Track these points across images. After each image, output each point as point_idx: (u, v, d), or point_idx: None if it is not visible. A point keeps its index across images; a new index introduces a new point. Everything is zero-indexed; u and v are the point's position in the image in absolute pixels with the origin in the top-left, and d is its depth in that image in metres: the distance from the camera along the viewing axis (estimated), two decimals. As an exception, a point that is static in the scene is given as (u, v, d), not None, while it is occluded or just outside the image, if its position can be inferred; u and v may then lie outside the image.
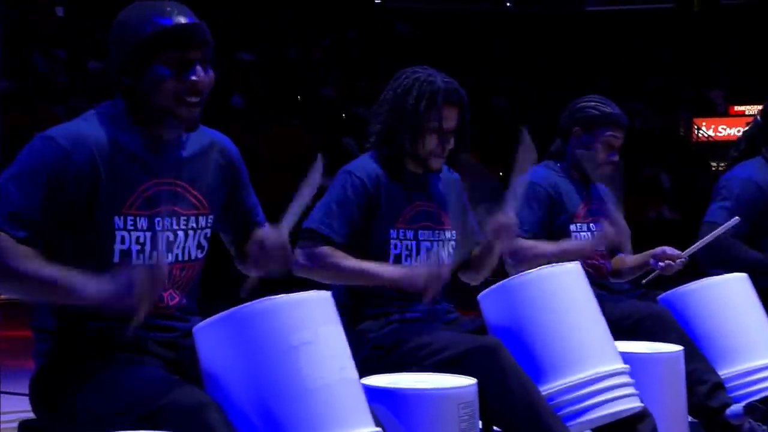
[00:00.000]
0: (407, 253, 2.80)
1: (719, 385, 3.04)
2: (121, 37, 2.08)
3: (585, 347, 2.57)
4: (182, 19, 2.07)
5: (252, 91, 14.86)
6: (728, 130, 19.89)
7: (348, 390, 1.99)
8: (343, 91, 18.05)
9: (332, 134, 15.78)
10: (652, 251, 3.49)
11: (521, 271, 3.24)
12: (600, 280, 3.39)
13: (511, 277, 2.65)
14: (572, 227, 3.38)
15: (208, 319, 2.00)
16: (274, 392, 1.92)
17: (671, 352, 2.91)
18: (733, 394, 3.05)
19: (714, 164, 17.36)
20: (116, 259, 2.08)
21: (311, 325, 1.98)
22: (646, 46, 22.17)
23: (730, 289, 3.20)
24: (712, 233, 3.38)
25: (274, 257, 2.18)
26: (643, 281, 3.49)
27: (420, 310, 2.80)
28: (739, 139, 3.82)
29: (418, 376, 2.50)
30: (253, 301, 1.97)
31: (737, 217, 3.35)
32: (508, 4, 24.63)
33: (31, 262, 1.95)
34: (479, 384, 2.40)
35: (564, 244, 3.30)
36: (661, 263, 3.42)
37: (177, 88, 2.07)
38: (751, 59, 20.92)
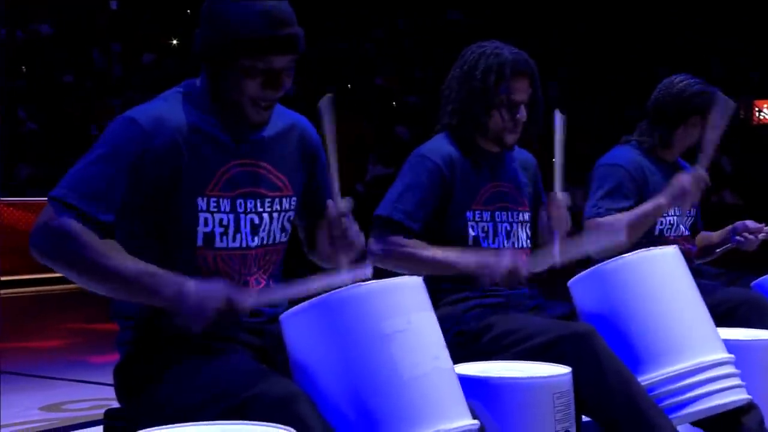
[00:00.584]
0: (484, 235, 2.70)
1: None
2: (215, 22, 2.00)
3: (687, 335, 2.42)
4: (282, 29, 1.98)
5: (304, 81, 14.84)
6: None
7: (443, 380, 1.89)
8: (394, 81, 17.95)
9: (384, 123, 15.70)
10: (733, 225, 3.34)
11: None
12: (688, 265, 3.23)
13: (605, 262, 2.51)
14: None
15: (297, 306, 1.90)
16: (366, 383, 1.82)
17: (768, 339, 2.75)
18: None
19: (776, 147, 16.95)
20: (200, 243, 2.02)
21: (404, 312, 1.87)
22: (704, 27, 21.73)
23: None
24: None
25: (341, 238, 2.07)
26: (717, 250, 3.33)
27: (502, 294, 2.69)
28: None
29: (509, 364, 2.38)
30: (343, 288, 1.87)
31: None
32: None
33: (115, 257, 1.89)
34: (572, 373, 2.28)
35: (641, 207, 3.17)
36: (738, 237, 3.26)
37: (256, 93, 2.01)
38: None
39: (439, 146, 2.72)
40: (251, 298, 1.92)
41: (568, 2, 22.29)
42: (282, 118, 2.17)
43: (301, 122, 2.23)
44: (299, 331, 1.89)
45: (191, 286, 1.87)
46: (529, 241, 2.78)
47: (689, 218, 3.40)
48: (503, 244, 2.71)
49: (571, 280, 2.56)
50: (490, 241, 2.70)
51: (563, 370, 2.27)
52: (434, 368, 1.86)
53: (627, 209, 3.18)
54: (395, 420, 1.81)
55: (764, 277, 3.10)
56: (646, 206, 3.16)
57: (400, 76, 18.07)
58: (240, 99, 2.01)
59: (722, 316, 2.89)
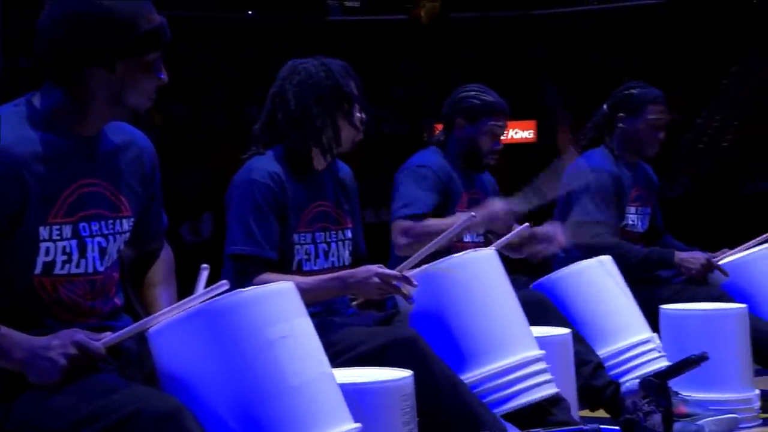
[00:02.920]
0: (306, 257, 2.66)
1: (600, 365, 3.12)
2: (94, 25, 1.83)
3: (507, 333, 2.56)
4: (161, 18, 1.91)
5: None
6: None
7: (328, 385, 1.86)
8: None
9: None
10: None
11: (413, 252, 3.23)
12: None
13: (429, 264, 2.58)
14: None
15: (170, 319, 1.78)
16: (254, 392, 1.76)
17: (562, 335, 2.96)
18: (611, 373, 3.15)
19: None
20: (38, 271, 1.86)
21: (286, 317, 1.83)
22: (386, 56, 22.95)
23: (599, 271, 3.31)
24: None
25: None
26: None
27: (321, 302, 2.67)
28: (588, 128, 3.95)
29: (347, 371, 2.36)
30: (222, 296, 1.78)
31: (472, 214, 3.00)
32: (249, 12, 24.60)
33: None
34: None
35: (451, 219, 3.22)
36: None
37: (154, 86, 1.92)
38: (482, 69, 22.25)
39: (264, 167, 2.61)
40: (104, 339, 1.80)
41: (253, 27, 22.60)
42: (119, 132, 2.02)
43: (140, 137, 2.07)
44: (176, 345, 1.78)
45: (39, 343, 1.75)
46: (351, 258, 2.76)
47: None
48: (322, 264, 2.69)
49: None
50: (312, 263, 2.66)
51: (405, 373, 2.30)
52: (320, 373, 1.84)
53: (434, 204, 3.27)
54: (284, 428, 1.76)
55: (544, 278, 3.33)
56: (458, 221, 3.24)
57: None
58: (139, 99, 1.90)
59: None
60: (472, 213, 2.85)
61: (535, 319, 3.06)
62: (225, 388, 1.74)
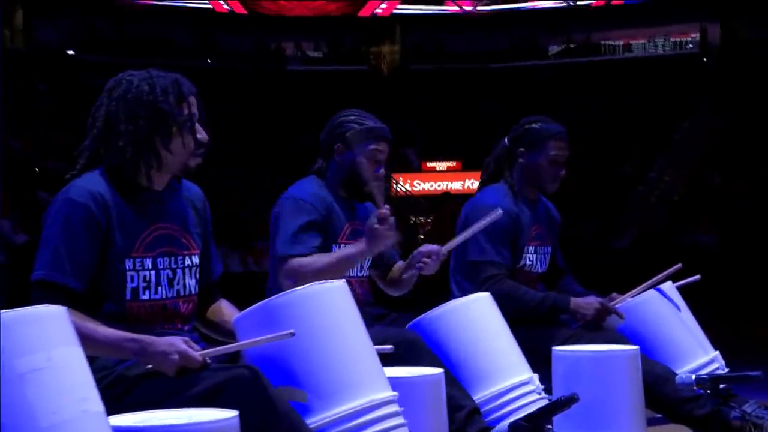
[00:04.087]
0: (145, 285, 2.42)
1: (476, 410, 2.91)
2: None
3: (356, 373, 2.32)
4: None
5: None
6: (422, 185, 21.04)
7: (92, 426, 1.62)
8: (34, 145, 16.96)
9: (25, 189, 14.65)
10: (415, 251, 3.30)
11: None
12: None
13: (271, 298, 2.36)
14: (334, 248, 3.19)
15: None
16: (-6, 434, 1.51)
17: (433, 375, 2.74)
18: (487, 419, 2.94)
19: (412, 218, 18.11)
20: None
21: (43, 346, 1.60)
22: (344, 105, 22.89)
23: (475, 310, 3.10)
24: (473, 227, 3.29)
25: None
26: (404, 276, 3.31)
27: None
28: (487, 162, 3.78)
29: (171, 412, 2.13)
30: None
31: (499, 210, 3.29)
32: (209, 60, 24.56)
33: None
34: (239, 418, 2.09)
35: (340, 252, 3.12)
36: (419, 264, 3.25)
37: None
38: (439, 120, 22.29)
39: (87, 186, 2.39)
40: None
41: (212, 75, 22.50)
42: None
43: None
44: None
45: None
46: (197, 287, 2.54)
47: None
48: (166, 293, 2.46)
49: (237, 315, 2.39)
50: (152, 291, 2.43)
51: (229, 414, 2.07)
52: (82, 412, 1.60)
53: (319, 242, 3.14)
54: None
55: (418, 318, 3.12)
56: (347, 253, 3.11)
57: (39, 140, 17.09)
58: None
59: (380, 355, 2.84)
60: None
61: (405, 360, 2.87)
62: (-39, 429, 1.51)
